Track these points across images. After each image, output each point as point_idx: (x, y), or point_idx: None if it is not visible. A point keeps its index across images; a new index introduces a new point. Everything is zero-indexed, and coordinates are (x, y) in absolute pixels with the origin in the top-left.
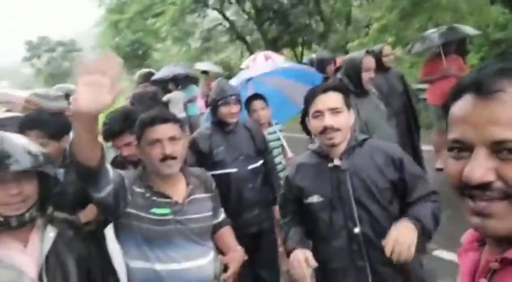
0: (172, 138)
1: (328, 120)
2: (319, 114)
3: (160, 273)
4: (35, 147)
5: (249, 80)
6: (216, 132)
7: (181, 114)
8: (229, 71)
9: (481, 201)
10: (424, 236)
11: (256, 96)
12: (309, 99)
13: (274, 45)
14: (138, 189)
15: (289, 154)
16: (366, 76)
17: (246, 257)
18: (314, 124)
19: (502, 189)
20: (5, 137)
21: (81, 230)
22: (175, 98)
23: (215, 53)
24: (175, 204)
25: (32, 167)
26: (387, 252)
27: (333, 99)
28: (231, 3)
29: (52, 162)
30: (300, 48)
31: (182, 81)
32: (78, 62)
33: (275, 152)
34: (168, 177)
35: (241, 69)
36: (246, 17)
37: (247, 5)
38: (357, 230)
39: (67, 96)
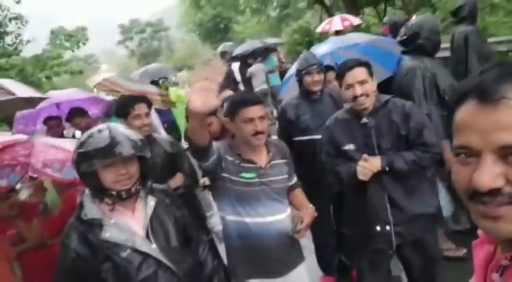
0: (261, 117)
1: (358, 90)
2: (350, 86)
3: (248, 225)
4: (135, 135)
5: (327, 54)
6: (303, 101)
7: (263, 86)
8: (309, 37)
9: (491, 205)
10: (394, 168)
11: (330, 68)
12: (341, 75)
13: (354, 5)
14: (229, 158)
15: None
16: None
17: (316, 214)
18: (347, 94)
19: (511, 194)
20: (112, 128)
21: (174, 196)
22: (257, 71)
23: (294, 20)
24: (260, 169)
25: (134, 152)
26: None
27: (360, 73)
28: None
29: (146, 146)
30: (382, 6)
31: (261, 54)
32: (165, 41)
33: None
34: (255, 147)
35: (319, 33)
36: None
37: None
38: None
39: None
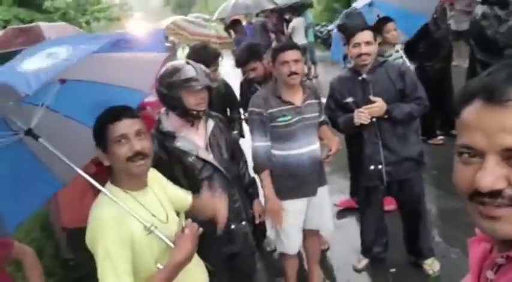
0: (296, 60)
1: (364, 49)
2: (357, 45)
3: (288, 156)
4: (207, 69)
5: (370, 4)
6: None
7: (304, 41)
8: None
9: (491, 206)
10: (391, 117)
11: (386, 19)
12: (350, 35)
13: None
14: (272, 102)
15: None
16: None
17: (340, 146)
18: (353, 51)
19: None
20: (193, 64)
21: (225, 122)
22: (298, 26)
23: None
24: (297, 108)
25: (209, 83)
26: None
27: (367, 35)
28: None
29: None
30: None
31: (298, 9)
32: None
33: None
34: (292, 87)
35: None
36: None
37: None
38: (374, 119)
39: None
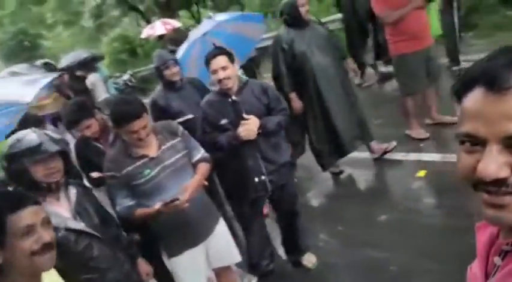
0: (144, 127)
1: (222, 74)
2: (215, 71)
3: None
4: (56, 135)
5: (205, 34)
6: (168, 91)
7: (106, 94)
8: (130, 44)
9: (496, 195)
10: (265, 129)
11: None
12: (207, 62)
13: (168, 8)
14: (124, 162)
15: None
16: (303, 10)
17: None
18: (214, 77)
19: None
20: (37, 131)
21: (86, 187)
22: (95, 81)
23: (110, 29)
24: (153, 159)
25: (58, 149)
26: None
27: (221, 60)
28: None
29: (67, 145)
30: (195, 7)
31: (88, 64)
32: None
33: None
34: (140, 139)
35: (142, 39)
36: None
37: None
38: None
39: None
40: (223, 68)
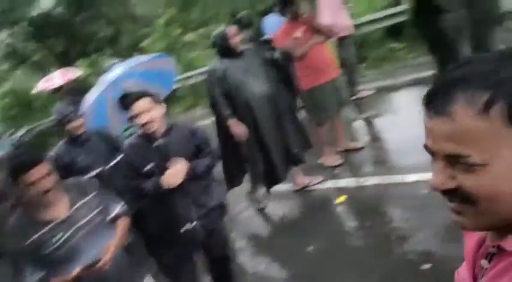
0: (47, 174)
1: (144, 118)
2: (137, 115)
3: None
4: None
5: (114, 82)
6: (71, 146)
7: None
8: (23, 98)
9: (453, 203)
10: (195, 173)
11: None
12: (127, 106)
13: (64, 59)
14: (29, 230)
15: None
16: (234, 41)
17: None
18: (136, 121)
19: (464, 196)
20: None
21: None
22: None
23: (2, 82)
24: (63, 222)
25: None
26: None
27: (143, 104)
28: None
29: None
30: (94, 56)
31: None
32: None
33: None
34: (46, 203)
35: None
36: (23, 36)
37: (22, 25)
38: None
39: None
40: (148, 110)
